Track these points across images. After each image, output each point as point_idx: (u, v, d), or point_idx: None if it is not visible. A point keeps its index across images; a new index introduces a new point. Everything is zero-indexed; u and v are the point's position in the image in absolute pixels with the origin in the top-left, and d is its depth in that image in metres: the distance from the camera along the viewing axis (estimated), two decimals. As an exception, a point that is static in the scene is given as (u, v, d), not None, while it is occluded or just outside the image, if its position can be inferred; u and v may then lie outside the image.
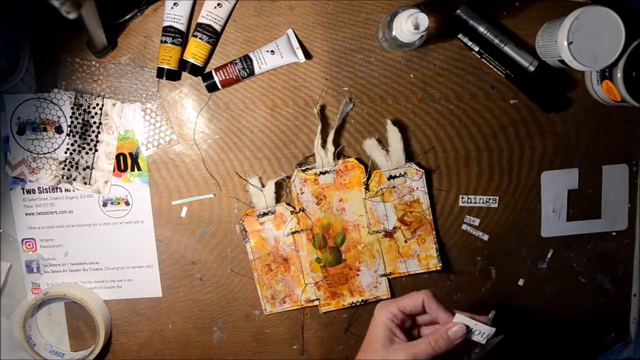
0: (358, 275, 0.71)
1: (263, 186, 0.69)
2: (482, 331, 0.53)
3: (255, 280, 0.71)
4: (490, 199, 0.72)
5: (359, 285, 0.71)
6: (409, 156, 0.70)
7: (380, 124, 0.70)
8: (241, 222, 0.70)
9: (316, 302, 0.72)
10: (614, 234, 0.73)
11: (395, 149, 0.69)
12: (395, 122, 0.69)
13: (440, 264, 0.71)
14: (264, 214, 0.70)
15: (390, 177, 0.69)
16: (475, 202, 0.72)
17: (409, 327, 0.57)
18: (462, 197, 0.71)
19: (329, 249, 0.71)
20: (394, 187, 0.70)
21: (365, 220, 0.70)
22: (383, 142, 0.69)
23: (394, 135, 0.68)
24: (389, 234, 0.71)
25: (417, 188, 0.70)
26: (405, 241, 0.71)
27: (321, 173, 0.69)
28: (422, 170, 0.70)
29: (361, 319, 0.73)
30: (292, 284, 0.71)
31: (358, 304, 0.72)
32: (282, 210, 0.70)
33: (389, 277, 0.71)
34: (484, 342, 0.53)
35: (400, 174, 0.69)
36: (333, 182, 0.70)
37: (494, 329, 0.53)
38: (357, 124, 0.70)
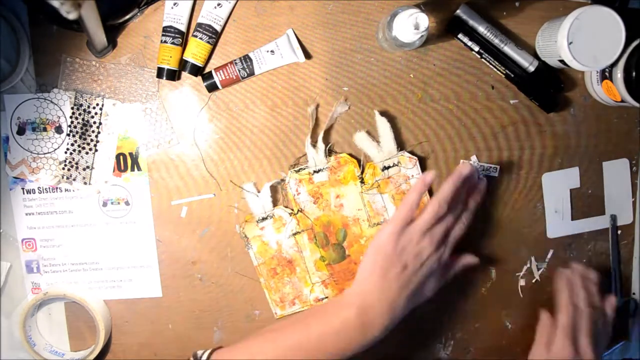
0: (360, 272, 0.71)
1: (258, 191, 0.69)
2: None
3: (262, 285, 0.71)
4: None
5: (362, 282, 0.71)
6: (400, 145, 0.70)
7: (376, 123, 0.69)
8: (242, 229, 0.70)
9: (325, 300, 0.71)
10: (619, 231, 0.73)
11: (386, 138, 0.68)
12: (383, 113, 0.68)
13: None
14: (263, 219, 0.70)
15: (384, 168, 0.69)
16: (475, 202, 0.71)
17: None
18: (462, 197, 0.71)
19: (332, 246, 0.71)
20: (389, 177, 0.70)
21: (365, 214, 0.70)
22: (373, 134, 0.69)
23: (382, 125, 0.68)
24: (389, 227, 0.70)
25: (413, 176, 0.70)
26: (407, 230, 0.70)
27: (315, 172, 0.69)
28: (415, 158, 0.69)
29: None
30: (299, 285, 0.71)
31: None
32: (281, 213, 0.70)
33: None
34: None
35: (393, 163, 0.69)
36: (327, 179, 0.69)
37: None
38: (357, 124, 0.69)
